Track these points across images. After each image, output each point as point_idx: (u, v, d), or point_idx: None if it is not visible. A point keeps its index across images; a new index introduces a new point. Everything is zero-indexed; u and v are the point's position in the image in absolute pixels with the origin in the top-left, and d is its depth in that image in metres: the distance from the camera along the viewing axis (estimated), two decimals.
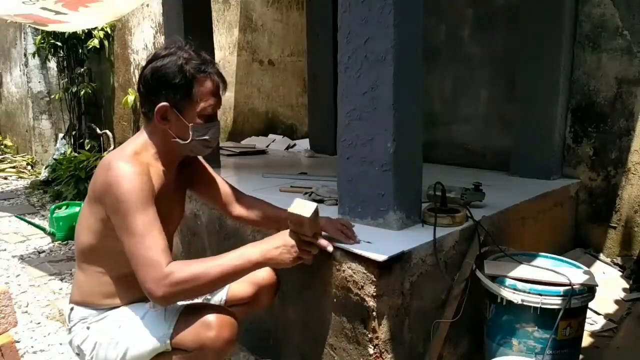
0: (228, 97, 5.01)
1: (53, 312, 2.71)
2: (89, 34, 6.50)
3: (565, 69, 2.79)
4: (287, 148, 4.43)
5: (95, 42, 6.47)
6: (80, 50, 6.68)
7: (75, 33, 6.30)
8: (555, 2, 2.72)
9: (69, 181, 5.07)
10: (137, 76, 6.27)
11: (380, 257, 1.63)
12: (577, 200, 2.89)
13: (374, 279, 1.65)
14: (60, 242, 3.84)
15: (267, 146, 4.51)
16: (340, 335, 1.81)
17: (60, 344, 2.36)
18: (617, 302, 2.40)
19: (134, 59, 6.34)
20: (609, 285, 2.51)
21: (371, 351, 1.71)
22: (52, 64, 7.00)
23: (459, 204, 2.05)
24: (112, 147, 6.42)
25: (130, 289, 1.53)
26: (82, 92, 6.72)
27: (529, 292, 1.70)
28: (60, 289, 3.00)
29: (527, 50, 2.83)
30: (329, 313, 1.84)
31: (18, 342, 2.34)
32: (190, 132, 1.49)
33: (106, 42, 6.58)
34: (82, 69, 6.82)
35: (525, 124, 2.88)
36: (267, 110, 4.97)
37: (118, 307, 1.53)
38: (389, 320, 1.70)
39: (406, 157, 1.85)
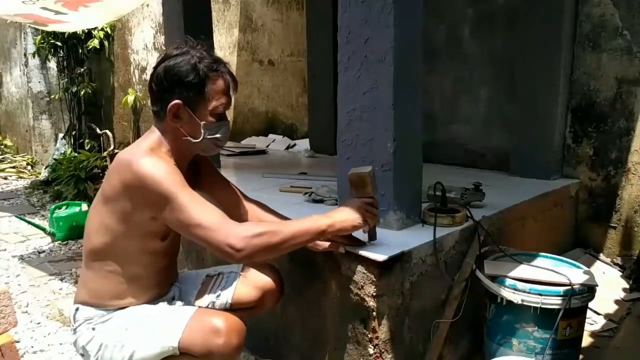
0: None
1: (53, 312, 2.71)
2: (89, 34, 6.50)
3: (565, 69, 2.79)
4: (287, 148, 4.43)
5: (95, 42, 6.47)
6: (80, 50, 6.68)
7: (75, 33, 6.30)
8: (555, 2, 2.72)
9: (69, 181, 5.07)
10: (137, 76, 6.30)
11: (380, 257, 1.63)
12: (577, 200, 2.89)
13: (374, 279, 1.65)
14: (60, 242, 3.84)
15: (267, 146, 4.51)
16: (340, 335, 1.81)
17: (60, 344, 2.36)
18: (617, 302, 2.40)
19: (134, 59, 6.34)
20: (609, 285, 2.51)
21: (371, 351, 1.71)
22: (52, 64, 7.00)
23: (459, 204, 2.05)
24: (112, 147, 6.41)
25: (140, 290, 1.53)
26: (82, 92, 6.72)
27: (529, 292, 1.70)
28: (60, 289, 3.00)
29: (527, 50, 2.83)
30: (329, 313, 1.84)
31: (18, 342, 2.34)
32: (202, 131, 1.49)
33: (106, 42, 6.58)
34: (82, 69, 6.82)
35: (525, 124, 2.88)
36: (267, 110, 4.97)
37: (125, 308, 1.53)
38: (389, 320, 1.70)
39: (406, 157, 1.85)
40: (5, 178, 6.64)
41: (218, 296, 1.70)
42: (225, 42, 5.21)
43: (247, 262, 1.61)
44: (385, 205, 1.85)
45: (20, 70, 7.23)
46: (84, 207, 3.93)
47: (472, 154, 3.31)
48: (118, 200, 1.43)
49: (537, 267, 1.88)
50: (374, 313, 1.67)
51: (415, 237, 1.81)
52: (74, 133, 6.96)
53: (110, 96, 6.87)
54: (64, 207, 3.99)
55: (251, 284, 1.70)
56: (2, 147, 7.92)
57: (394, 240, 1.77)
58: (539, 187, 2.65)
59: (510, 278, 1.77)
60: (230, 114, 5.54)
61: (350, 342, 1.78)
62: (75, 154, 6.03)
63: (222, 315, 1.47)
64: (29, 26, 6.43)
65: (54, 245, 3.82)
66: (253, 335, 2.18)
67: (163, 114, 1.48)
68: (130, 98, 6.08)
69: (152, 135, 1.52)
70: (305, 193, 2.44)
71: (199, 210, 1.36)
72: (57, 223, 3.86)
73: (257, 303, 1.72)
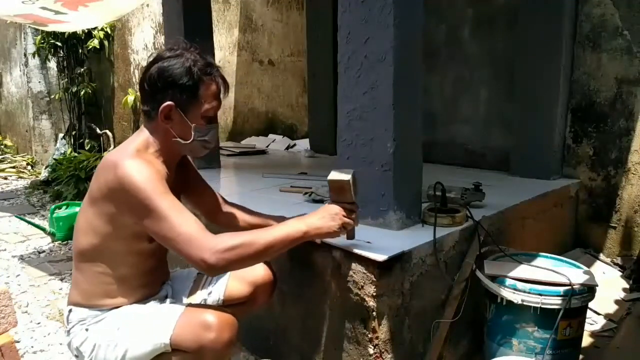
0: (228, 97, 5.01)
1: (53, 312, 2.71)
2: (89, 34, 6.51)
3: (565, 69, 2.79)
4: (287, 148, 4.43)
5: (95, 43, 6.47)
6: (80, 50, 6.68)
7: (75, 33, 6.31)
8: (555, 2, 2.72)
9: (69, 181, 5.07)
10: (137, 76, 6.30)
11: (380, 257, 1.63)
12: (577, 200, 2.89)
13: (374, 279, 1.65)
14: (60, 242, 3.84)
15: (267, 146, 4.51)
16: (340, 335, 1.81)
17: (60, 344, 2.36)
18: (617, 302, 2.40)
19: (134, 59, 6.35)
20: (609, 285, 2.51)
21: (371, 351, 1.71)
22: (52, 64, 7.01)
23: (459, 204, 2.05)
24: (112, 147, 6.42)
25: (131, 289, 1.53)
26: (82, 92, 6.73)
27: (529, 292, 1.70)
28: (60, 289, 3.00)
29: (527, 50, 2.83)
30: (329, 313, 1.84)
31: (18, 342, 2.34)
32: (193, 133, 1.51)
33: (106, 42, 6.59)
34: (82, 69, 6.83)
35: (525, 123, 2.88)
36: (267, 110, 4.97)
37: (117, 307, 1.53)
38: (389, 320, 1.70)
39: (406, 157, 1.85)
40: (5, 178, 6.64)
41: (210, 293, 1.70)
42: (225, 42, 5.21)
43: (221, 274, 1.62)
44: (385, 205, 1.86)
45: (20, 70, 7.23)
46: None
47: (472, 154, 3.31)
48: (104, 202, 1.43)
49: (537, 267, 1.88)
50: (374, 313, 1.67)
51: (415, 237, 1.81)
52: (74, 133, 6.96)
53: (110, 96, 6.88)
54: (64, 207, 3.99)
55: (243, 279, 1.71)
56: (2, 147, 7.92)
57: (394, 240, 1.77)
58: (539, 187, 2.65)
59: (510, 278, 1.77)
60: (230, 114, 5.57)
61: (350, 342, 1.78)
62: (75, 154, 6.03)
63: (212, 310, 1.47)
64: (29, 26, 6.43)
65: (54, 245, 3.82)
66: (253, 335, 2.19)
67: (154, 114, 1.49)
68: (130, 98, 6.08)
69: (141, 136, 1.52)
70: (305, 193, 2.44)
71: (177, 221, 1.35)
72: (57, 223, 3.86)
73: (249, 298, 1.73)
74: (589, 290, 1.75)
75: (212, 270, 1.36)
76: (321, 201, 2.32)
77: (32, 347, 2.35)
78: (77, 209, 3.94)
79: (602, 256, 2.80)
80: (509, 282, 1.75)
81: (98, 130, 6.86)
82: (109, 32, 6.55)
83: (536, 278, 1.76)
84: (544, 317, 1.71)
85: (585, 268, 1.88)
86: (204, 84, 1.48)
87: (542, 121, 2.83)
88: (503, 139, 3.09)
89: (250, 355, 2.21)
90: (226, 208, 1.84)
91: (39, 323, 2.59)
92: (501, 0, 3.09)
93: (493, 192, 2.33)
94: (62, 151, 6.73)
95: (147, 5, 5.86)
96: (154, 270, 1.61)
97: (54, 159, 6.20)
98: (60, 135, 7.06)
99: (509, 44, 3.02)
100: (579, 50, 2.81)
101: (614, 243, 2.79)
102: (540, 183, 2.75)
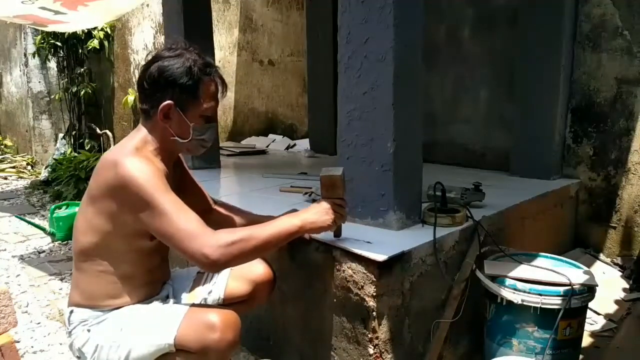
0: (228, 97, 5.00)
1: (53, 312, 2.71)
2: (89, 34, 6.50)
3: (565, 69, 2.79)
4: (287, 148, 4.43)
5: (95, 43, 6.47)
6: (80, 51, 6.68)
7: (75, 33, 6.30)
8: (555, 2, 2.72)
9: (69, 181, 5.07)
10: (137, 76, 6.29)
11: (380, 257, 1.63)
12: (577, 200, 2.89)
13: (374, 279, 1.65)
14: (60, 242, 3.84)
15: (267, 146, 4.51)
16: (340, 335, 1.81)
17: (60, 344, 2.36)
18: (617, 302, 2.40)
19: (134, 59, 6.34)
20: (609, 285, 2.51)
21: (371, 351, 1.71)
22: (52, 64, 7.00)
23: (459, 204, 2.05)
24: (112, 147, 6.42)
25: (133, 289, 1.53)
26: (82, 92, 6.72)
27: (529, 292, 1.70)
28: (60, 289, 3.00)
29: (527, 50, 2.83)
30: (329, 313, 1.84)
31: (18, 342, 2.34)
32: (191, 132, 1.52)
33: (106, 42, 6.58)
34: (82, 69, 6.82)
35: (525, 124, 2.88)
36: (267, 110, 4.97)
37: (119, 308, 1.53)
38: (389, 320, 1.70)
39: (406, 157, 1.85)
40: (5, 178, 6.64)
41: (210, 292, 1.71)
42: (225, 42, 5.21)
43: (220, 270, 1.64)
44: (385, 205, 1.86)
45: (20, 70, 7.23)
46: None
47: (472, 154, 3.31)
48: (104, 201, 1.44)
49: (537, 267, 1.88)
50: (374, 313, 1.67)
51: (415, 237, 1.81)
52: (74, 133, 6.96)
53: (110, 96, 6.87)
54: (64, 207, 3.99)
55: (242, 277, 1.72)
56: (2, 147, 7.92)
57: (394, 240, 1.78)
58: (539, 187, 2.65)
59: (510, 278, 1.77)
60: (230, 114, 5.58)
61: (350, 342, 1.78)
62: (75, 154, 6.03)
63: (216, 310, 1.48)
64: (29, 26, 6.43)
65: (54, 245, 3.81)
66: (253, 335, 2.19)
67: (153, 112, 1.50)
68: (130, 98, 6.08)
69: (139, 134, 1.53)
70: (305, 193, 2.44)
71: (177, 218, 1.36)
72: (57, 223, 3.86)
73: (249, 296, 1.73)
74: (589, 290, 1.75)
75: (214, 265, 1.37)
76: None
77: (32, 347, 2.35)
78: (77, 209, 3.91)
79: (602, 256, 2.80)
80: (509, 282, 1.75)
81: (98, 130, 6.86)
82: (109, 32, 6.55)
83: (536, 278, 1.76)
84: (544, 317, 1.71)
85: (585, 268, 1.88)
86: (204, 83, 1.50)
87: (542, 121, 2.83)
88: (503, 139, 3.09)
89: (250, 355, 2.21)
90: (216, 207, 1.86)
91: (39, 323, 2.59)
92: (501, 0, 3.09)
93: (493, 192, 2.33)
94: (62, 151, 6.73)
95: (147, 5, 5.86)
96: (155, 269, 1.61)
97: (54, 159, 6.20)
98: (60, 135, 7.06)
99: (509, 44, 3.02)
100: (579, 50, 2.81)
101: (614, 243, 2.79)
102: (540, 183, 2.75)
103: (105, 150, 6.36)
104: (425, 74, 1.97)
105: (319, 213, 1.56)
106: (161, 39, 5.76)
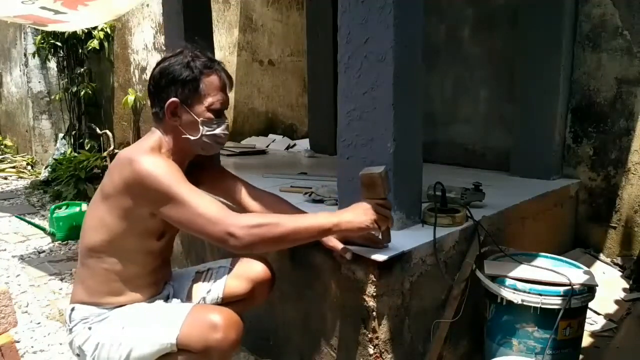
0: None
1: (53, 312, 2.71)
2: (89, 34, 6.50)
3: (565, 69, 2.79)
4: (287, 148, 4.43)
5: (95, 43, 6.47)
6: (80, 51, 6.68)
7: (75, 33, 6.30)
8: (555, 2, 2.71)
9: (69, 181, 5.07)
10: (137, 76, 6.30)
11: (380, 257, 1.63)
12: (577, 200, 2.89)
13: (374, 279, 1.65)
14: (60, 242, 3.84)
15: (267, 146, 4.51)
16: (340, 335, 1.81)
17: (60, 344, 2.36)
18: (617, 302, 2.40)
19: (134, 59, 6.34)
20: (609, 285, 2.51)
21: (371, 351, 1.71)
22: (52, 64, 7.00)
23: (459, 204, 2.05)
24: (112, 147, 6.41)
25: (136, 288, 1.54)
26: (82, 92, 6.72)
27: (529, 292, 1.70)
28: (60, 289, 3.00)
29: (527, 50, 2.83)
30: (329, 313, 1.84)
31: (18, 342, 2.34)
32: (200, 127, 1.52)
33: (106, 43, 6.58)
34: (82, 69, 6.82)
35: (525, 124, 2.88)
36: (267, 110, 4.97)
37: (121, 306, 1.53)
38: (389, 320, 1.70)
39: (406, 157, 1.85)
40: (5, 178, 6.64)
41: (209, 291, 1.71)
42: (225, 42, 5.20)
43: (247, 252, 1.58)
44: None
45: (20, 70, 7.23)
46: (84, 207, 3.93)
47: (472, 154, 3.31)
48: (118, 197, 1.45)
49: (537, 267, 1.88)
50: (374, 313, 1.67)
51: (415, 237, 1.81)
52: (74, 133, 6.96)
53: (110, 96, 6.87)
54: (64, 207, 3.99)
55: (241, 276, 1.71)
56: (2, 147, 7.92)
57: (394, 240, 1.76)
58: (539, 187, 2.65)
59: (510, 278, 1.77)
60: (230, 114, 5.56)
61: (350, 342, 1.78)
62: (75, 154, 6.04)
63: (219, 310, 1.48)
64: (29, 26, 6.43)
65: (54, 245, 3.82)
66: (253, 335, 2.19)
67: (162, 114, 1.52)
68: (130, 98, 6.08)
69: (153, 136, 1.55)
70: (305, 193, 2.44)
71: (199, 203, 1.38)
72: (57, 223, 3.86)
73: (248, 295, 1.73)
74: (589, 290, 1.75)
75: (239, 244, 1.36)
76: (321, 201, 2.32)
77: (32, 347, 2.35)
78: (77, 209, 3.94)
79: (602, 256, 2.80)
80: (509, 282, 1.75)
81: (98, 130, 6.86)
82: (109, 32, 6.55)
83: (536, 278, 1.76)
84: (544, 317, 1.71)
85: (585, 268, 1.88)
86: (205, 76, 1.51)
87: (542, 121, 2.83)
88: (503, 139, 3.09)
89: (250, 355, 2.21)
90: (258, 195, 1.79)
91: (39, 323, 2.59)
92: (501, 0, 3.09)
93: (493, 192, 2.33)
94: (62, 151, 6.73)
95: (147, 5, 5.85)
96: (159, 270, 1.62)
97: (54, 159, 6.20)
98: (60, 135, 7.06)
99: (509, 44, 3.02)
100: (579, 50, 2.81)
101: (614, 243, 2.79)
102: (540, 183, 2.75)
103: (105, 150, 6.38)
104: (425, 74, 1.97)
105: (357, 212, 1.47)
106: (161, 39, 5.76)
